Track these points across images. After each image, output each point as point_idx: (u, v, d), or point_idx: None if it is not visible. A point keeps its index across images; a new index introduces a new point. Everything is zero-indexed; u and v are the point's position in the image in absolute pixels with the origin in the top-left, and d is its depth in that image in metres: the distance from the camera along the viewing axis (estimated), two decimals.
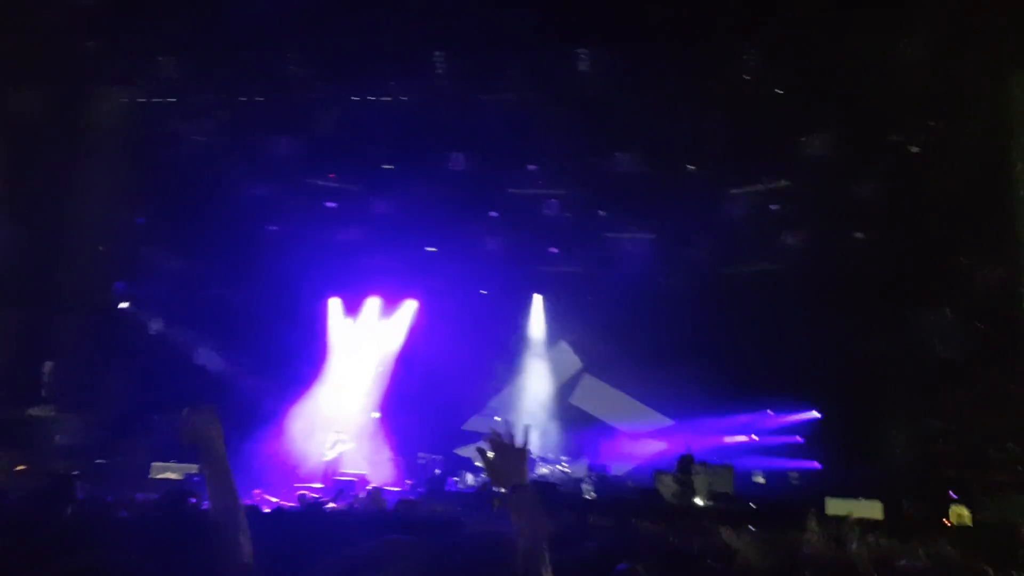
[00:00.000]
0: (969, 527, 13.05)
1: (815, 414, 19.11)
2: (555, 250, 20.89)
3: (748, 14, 16.62)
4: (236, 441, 18.25)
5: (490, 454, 3.27)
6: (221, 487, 3.25)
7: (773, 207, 19.37)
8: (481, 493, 16.30)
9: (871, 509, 13.86)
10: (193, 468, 17.00)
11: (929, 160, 17.64)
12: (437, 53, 18.30)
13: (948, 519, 13.40)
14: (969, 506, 13.53)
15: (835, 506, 13.95)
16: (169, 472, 17.12)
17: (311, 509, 9.66)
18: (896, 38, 16.50)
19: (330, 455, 19.09)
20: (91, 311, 18.52)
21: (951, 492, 13.98)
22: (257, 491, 15.64)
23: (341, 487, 16.71)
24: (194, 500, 8.71)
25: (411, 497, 15.19)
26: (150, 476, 17.00)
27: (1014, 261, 15.74)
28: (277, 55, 18.28)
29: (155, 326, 20.20)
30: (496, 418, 19.68)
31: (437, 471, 18.46)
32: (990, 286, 16.62)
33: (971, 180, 16.61)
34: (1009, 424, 14.90)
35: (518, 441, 3.32)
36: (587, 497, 17.65)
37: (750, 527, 11.27)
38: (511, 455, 3.25)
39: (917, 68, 16.47)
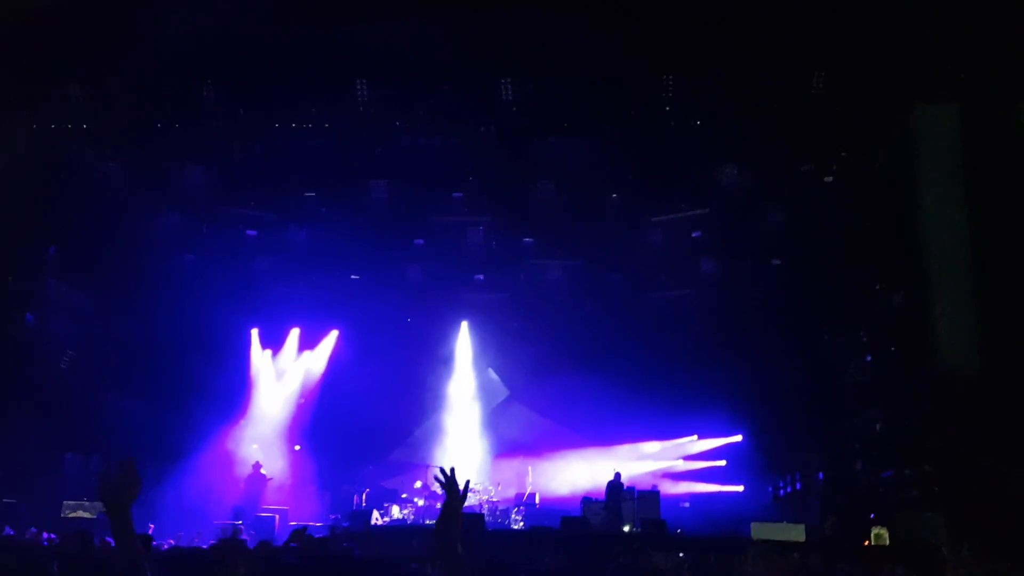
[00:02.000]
0: (887, 546, 13.41)
1: (739, 438, 19.42)
2: (481, 276, 20.86)
3: (667, 48, 17.04)
4: (150, 480, 17.79)
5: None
6: (126, 535, 3.42)
7: (694, 234, 19.76)
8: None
9: (795, 532, 14.12)
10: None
11: (841, 189, 18.30)
12: (360, 81, 18.23)
13: (868, 539, 13.74)
14: (886, 525, 13.90)
15: (760, 530, 14.17)
16: (80, 511, 16.41)
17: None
18: (807, 73, 17.11)
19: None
20: None
21: (871, 514, 14.35)
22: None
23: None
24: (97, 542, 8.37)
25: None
26: (62, 515, 16.24)
27: (921, 286, 16.34)
28: (194, 81, 17.93)
29: (65, 360, 19.33)
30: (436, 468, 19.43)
31: (362, 504, 18.09)
32: (900, 310, 17.23)
33: (880, 208, 17.29)
34: (923, 443, 15.38)
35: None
36: (515, 527, 17.56)
37: (679, 553, 11.40)
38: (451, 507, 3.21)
39: (828, 101, 17.11)
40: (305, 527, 11.70)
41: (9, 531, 13.48)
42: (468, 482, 3.40)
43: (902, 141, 16.58)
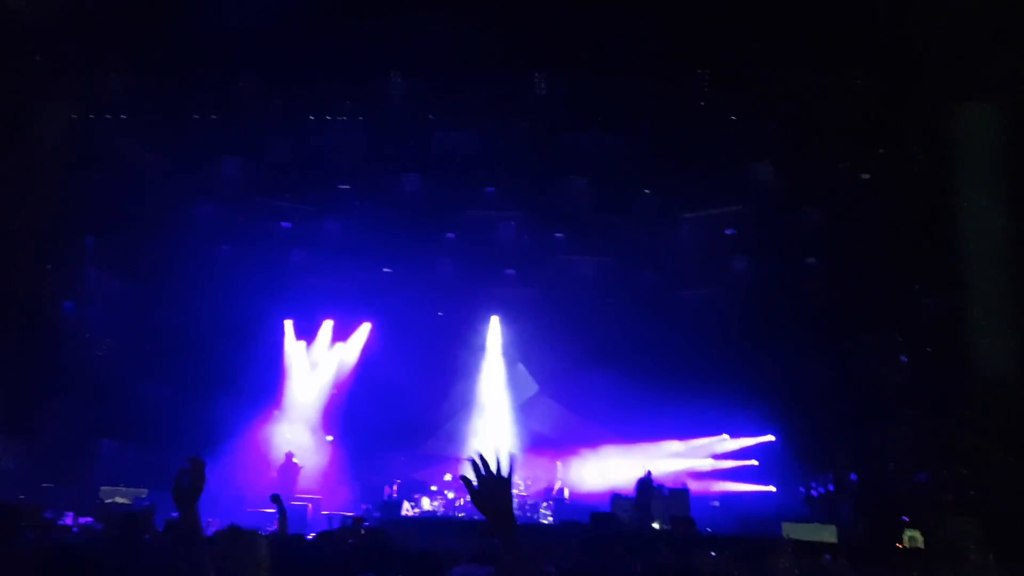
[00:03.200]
0: (921, 550, 13.28)
1: (771, 438, 19.30)
2: (512, 271, 20.88)
3: (702, 43, 16.93)
4: (186, 465, 18.03)
5: (474, 480, 3.25)
6: (192, 524, 3.81)
7: (727, 231, 19.63)
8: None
9: (826, 533, 14.03)
10: (142, 492, 16.66)
11: (878, 187, 18.07)
12: (394, 74, 18.32)
13: (901, 542, 13.61)
14: (921, 529, 13.76)
15: (791, 530, 14.09)
16: (118, 496, 16.68)
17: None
18: (846, 69, 16.93)
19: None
20: (37, 332, 17.98)
21: (904, 517, 14.21)
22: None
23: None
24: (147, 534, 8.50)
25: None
26: (99, 500, 16.52)
27: (959, 287, 16.13)
28: (232, 74, 18.14)
29: (103, 348, 19.66)
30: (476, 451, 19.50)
31: (393, 495, 18.23)
32: (936, 311, 17.02)
33: (918, 207, 17.06)
34: (958, 446, 15.20)
35: (503, 469, 3.30)
36: (544, 521, 17.62)
37: (710, 552, 11.37)
38: (495, 483, 3.24)
39: (866, 98, 16.91)
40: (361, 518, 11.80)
41: (47, 515, 13.77)
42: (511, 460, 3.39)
43: (941, 139, 16.35)
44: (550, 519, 17.72)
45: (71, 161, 17.95)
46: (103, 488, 16.99)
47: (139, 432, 19.03)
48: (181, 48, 17.09)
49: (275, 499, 9.53)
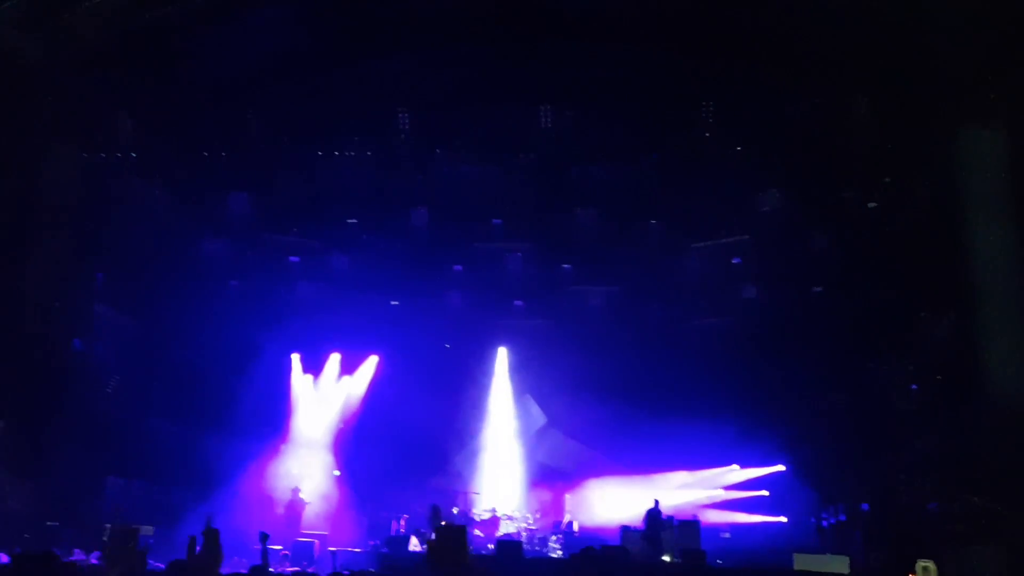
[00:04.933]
0: None
1: (781, 468, 19.09)
2: (520, 303, 20.88)
3: (707, 74, 17.06)
4: (192, 502, 17.95)
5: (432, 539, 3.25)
6: None
7: (734, 260, 19.61)
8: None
9: (838, 564, 13.83)
10: (149, 529, 16.55)
11: (884, 214, 18.05)
12: (401, 110, 18.51)
13: (915, 572, 13.38)
14: (934, 559, 13.53)
15: (803, 561, 13.90)
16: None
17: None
18: (850, 97, 17.00)
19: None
20: (46, 370, 18.02)
21: (917, 547, 13.99)
22: None
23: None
24: None
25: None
26: (104, 539, 16.41)
27: (968, 313, 16.02)
28: (240, 111, 18.35)
29: (111, 385, 19.69)
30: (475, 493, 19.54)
31: (400, 530, 18.08)
32: (946, 338, 16.90)
33: (924, 233, 17.01)
34: (970, 475, 15.01)
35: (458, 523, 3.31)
36: (554, 555, 17.43)
37: None
38: (452, 539, 3.24)
39: (871, 126, 16.96)
40: None
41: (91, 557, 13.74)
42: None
43: (947, 165, 16.34)
44: (559, 553, 17.53)
45: (80, 199, 18.09)
46: (108, 526, 16.88)
47: (146, 469, 19.00)
48: (189, 86, 17.32)
49: (263, 538, 9.50)
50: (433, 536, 3.10)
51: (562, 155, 18.78)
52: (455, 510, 18.69)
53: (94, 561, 13.39)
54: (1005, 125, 15.56)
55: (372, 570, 14.83)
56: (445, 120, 18.66)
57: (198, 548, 3.87)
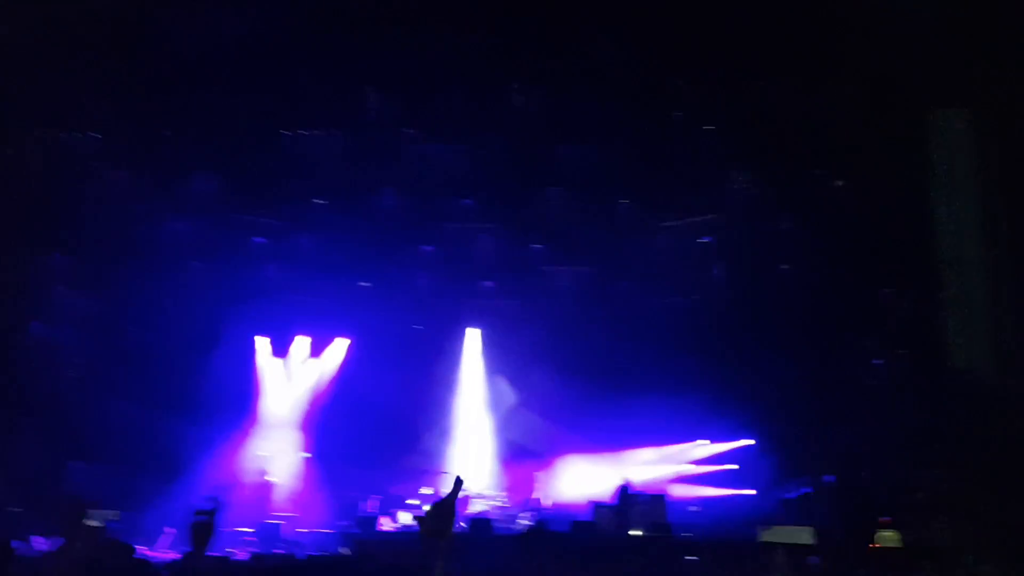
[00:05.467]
0: (899, 549, 13.23)
1: (750, 442, 19.29)
2: (490, 283, 20.82)
3: (676, 53, 17.07)
4: (160, 486, 17.76)
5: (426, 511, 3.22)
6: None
7: (704, 240, 19.70)
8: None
9: (803, 535, 13.96)
10: (116, 514, 16.33)
11: (851, 193, 18.21)
12: (368, 88, 18.31)
13: (876, 542, 13.57)
14: (898, 529, 13.72)
15: (768, 533, 14.03)
16: (90, 520, 16.31)
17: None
18: (820, 77, 17.09)
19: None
20: (5, 354, 17.68)
21: (881, 518, 14.16)
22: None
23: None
24: None
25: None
26: (64, 524, 16.14)
27: (932, 289, 16.25)
28: (203, 90, 18.02)
29: (73, 368, 19.35)
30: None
31: (370, 511, 18.01)
32: (910, 314, 17.12)
33: (890, 212, 17.19)
34: (934, 448, 15.23)
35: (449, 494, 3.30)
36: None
37: (687, 556, 11.30)
38: (441, 508, 3.22)
39: (840, 105, 17.07)
40: None
41: (14, 543, 13.45)
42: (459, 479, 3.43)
43: (914, 145, 16.52)
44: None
45: (35, 179, 17.71)
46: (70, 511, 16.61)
47: (110, 453, 18.68)
48: (152, 63, 17.02)
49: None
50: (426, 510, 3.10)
51: (532, 135, 18.70)
52: (427, 490, 18.66)
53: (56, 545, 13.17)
54: (971, 104, 15.75)
55: (343, 550, 14.82)
56: (413, 99, 18.49)
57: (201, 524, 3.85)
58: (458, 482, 3.37)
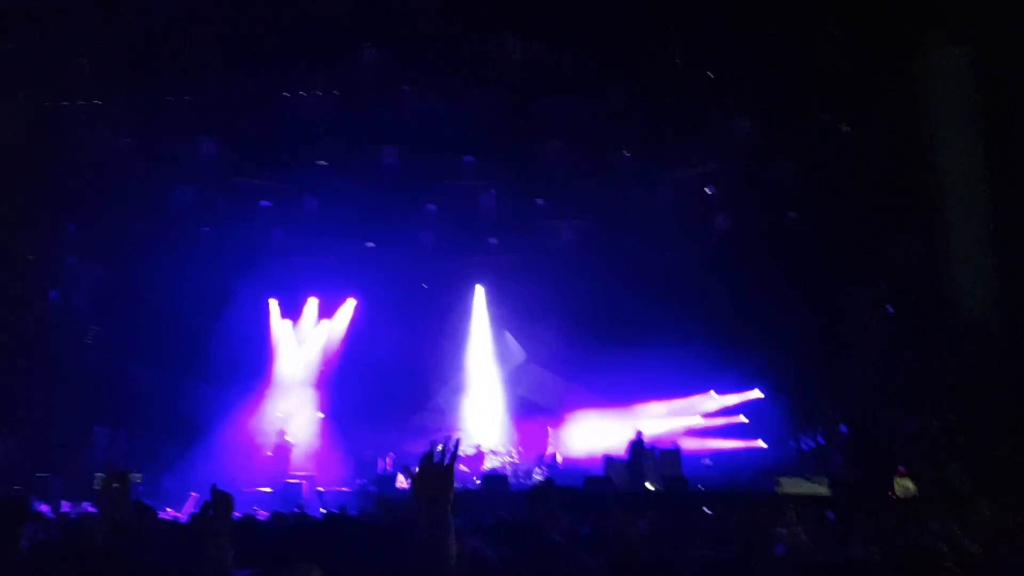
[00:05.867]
0: (915, 498, 13.46)
1: (758, 393, 19.45)
2: (494, 240, 20.83)
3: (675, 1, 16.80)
4: (180, 449, 18.07)
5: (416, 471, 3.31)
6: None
7: (708, 189, 19.60)
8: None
9: (818, 485, 14.21)
10: (138, 476, 16.70)
11: (856, 137, 18.04)
12: (365, 46, 18.06)
13: (893, 491, 13.79)
14: (913, 477, 13.94)
15: (786, 484, 14.26)
16: (117, 483, 16.64)
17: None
18: (820, 19, 16.83)
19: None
20: (25, 323, 17.89)
21: (898, 466, 14.36)
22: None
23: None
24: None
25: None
26: (94, 487, 16.52)
27: (940, 233, 16.21)
28: (201, 53, 17.81)
29: (90, 335, 19.59)
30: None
31: (386, 468, 18.32)
32: (919, 258, 17.11)
33: (895, 154, 17.08)
34: (946, 393, 15.35)
35: (446, 456, 3.40)
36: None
37: (704, 509, 11.48)
38: (436, 473, 3.30)
39: (841, 47, 16.83)
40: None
41: (43, 506, 13.78)
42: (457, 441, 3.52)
43: (917, 87, 16.33)
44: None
45: (45, 150, 17.70)
46: (98, 474, 16.96)
47: (130, 417, 19.06)
48: (149, 29, 16.79)
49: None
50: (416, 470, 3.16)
51: (531, 88, 18.46)
52: (439, 447, 18.89)
53: (90, 509, 13.46)
54: (974, 45, 15.54)
55: (362, 508, 15.07)
56: (410, 55, 18.25)
57: (211, 512, 3.92)
58: (455, 444, 3.42)
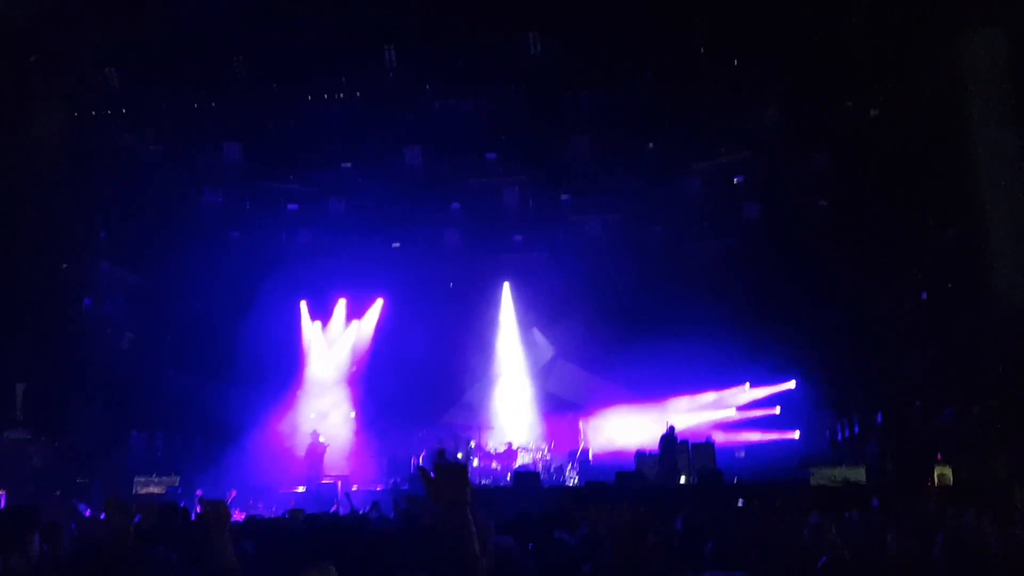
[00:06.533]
0: (952, 487, 13.24)
1: (792, 384, 19.23)
2: (519, 237, 20.80)
3: None
4: (215, 451, 18.26)
5: (432, 475, 3.25)
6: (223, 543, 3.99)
7: (736, 179, 19.40)
8: None
9: (855, 475, 14.01)
10: (175, 480, 16.95)
11: (887, 123, 17.74)
12: (387, 47, 18.09)
13: (932, 480, 13.55)
14: (950, 465, 13.70)
15: (820, 474, 14.09)
16: (152, 487, 16.96)
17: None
18: (848, 3, 16.57)
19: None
20: (60, 331, 18.15)
21: (937, 454, 14.11)
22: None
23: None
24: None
25: None
26: (133, 491, 16.78)
27: (975, 219, 15.88)
28: (226, 59, 17.96)
29: (125, 341, 19.88)
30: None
31: (419, 467, 18.34)
32: (954, 245, 16.79)
33: (927, 140, 16.77)
34: (983, 381, 15.06)
35: (460, 457, 3.37)
36: (571, 484, 17.69)
37: (739, 500, 11.37)
38: (451, 475, 3.23)
39: (870, 32, 16.55)
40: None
41: (85, 509, 13.98)
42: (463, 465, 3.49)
43: (949, 70, 16.00)
44: (576, 480, 17.80)
45: (76, 159, 17.97)
46: (137, 478, 17.24)
47: (165, 421, 19.35)
48: (175, 38, 16.95)
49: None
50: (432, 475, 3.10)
51: (553, 82, 18.37)
52: (472, 444, 18.94)
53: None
54: (1007, 28, 15.21)
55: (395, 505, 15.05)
56: (431, 54, 18.24)
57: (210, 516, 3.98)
58: (468, 446, 3.38)
